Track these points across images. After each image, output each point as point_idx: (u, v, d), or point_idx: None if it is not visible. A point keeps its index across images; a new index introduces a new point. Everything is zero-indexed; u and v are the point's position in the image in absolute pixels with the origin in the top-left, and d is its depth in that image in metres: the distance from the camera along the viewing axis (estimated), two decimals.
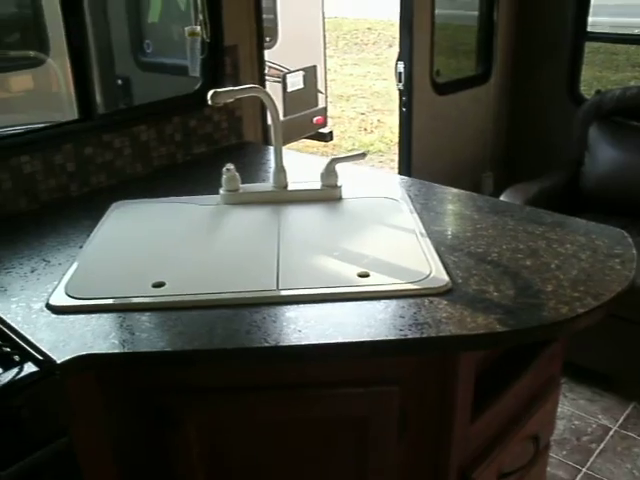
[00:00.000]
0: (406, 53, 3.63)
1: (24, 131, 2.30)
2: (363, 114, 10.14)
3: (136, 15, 3.77)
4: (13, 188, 2.22)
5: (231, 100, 2.02)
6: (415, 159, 3.79)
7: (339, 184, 2.17)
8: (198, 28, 2.49)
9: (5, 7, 3.75)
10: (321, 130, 7.74)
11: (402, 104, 3.74)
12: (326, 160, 2.19)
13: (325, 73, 7.59)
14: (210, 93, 1.93)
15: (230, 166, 2.12)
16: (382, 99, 10.67)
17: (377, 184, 2.39)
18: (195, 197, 2.22)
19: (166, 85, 3.59)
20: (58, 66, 4.32)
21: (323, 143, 8.13)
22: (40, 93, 4.68)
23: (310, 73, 7.25)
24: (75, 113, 2.40)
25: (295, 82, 7.07)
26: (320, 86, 7.47)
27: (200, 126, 2.67)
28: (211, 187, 2.26)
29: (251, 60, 2.77)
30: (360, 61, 13.76)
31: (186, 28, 2.50)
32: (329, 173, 2.15)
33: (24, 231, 2.11)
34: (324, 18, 7.52)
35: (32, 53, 4.75)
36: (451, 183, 2.32)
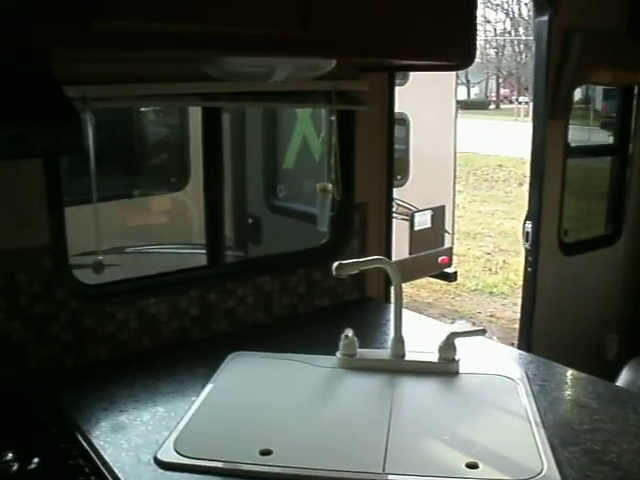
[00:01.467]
0: (535, 213, 3.59)
1: (155, 274, 2.40)
2: (489, 254, 10.07)
3: (272, 160, 3.95)
4: (138, 328, 2.31)
5: (355, 271, 2.05)
6: (537, 318, 3.68)
7: (457, 358, 2.12)
8: (330, 186, 2.56)
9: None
10: (446, 270, 7.69)
11: (527, 264, 3.67)
12: (445, 331, 2.17)
13: (453, 213, 7.62)
14: (335, 265, 1.96)
15: (349, 332, 2.12)
16: (509, 239, 10.59)
17: (495, 358, 2.33)
18: (312, 357, 2.22)
19: (293, 228, 3.71)
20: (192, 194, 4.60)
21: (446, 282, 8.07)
22: (173, 215, 4.94)
23: (438, 213, 7.29)
24: (202, 238, 2.48)
25: (423, 221, 7.11)
26: (447, 226, 7.47)
27: (324, 279, 2.70)
28: (328, 346, 2.26)
29: (379, 217, 2.81)
30: (489, 198, 13.79)
31: (318, 185, 2.58)
32: (447, 347, 2.11)
33: (142, 371, 2.17)
34: (456, 155, 7.61)
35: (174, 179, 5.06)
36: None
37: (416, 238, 7.06)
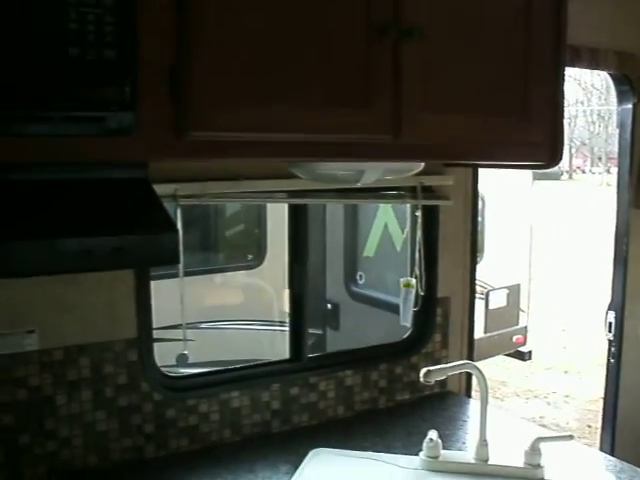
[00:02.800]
0: (618, 303, 3.50)
1: (238, 367, 2.41)
2: (564, 330, 9.83)
3: (353, 248, 3.98)
4: (219, 420, 2.32)
5: (442, 377, 2.02)
6: (621, 414, 3.55)
7: (542, 464, 2.06)
8: (413, 280, 2.55)
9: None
10: (520, 349, 7.54)
11: (610, 355, 3.57)
12: (529, 432, 2.11)
13: (529, 291, 7.49)
14: (423, 372, 1.94)
15: (434, 435, 2.08)
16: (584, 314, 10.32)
17: (582, 463, 2.25)
18: (394, 456, 2.18)
19: (372, 316, 3.72)
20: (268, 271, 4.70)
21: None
22: (250, 291, 5.04)
23: (514, 291, 7.18)
24: (276, 316, 2.50)
25: (498, 300, 7.00)
26: (523, 305, 7.35)
27: (405, 374, 2.68)
28: (409, 443, 2.23)
29: (462, 311, 2.79)
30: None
31: (401, 280, 2.58)
32: (533, 451, 2.05)
33: (223, 466, 2.17)
34: (532, 231, 7.53)
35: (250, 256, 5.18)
36: None
37: (491, 317, 6.95)
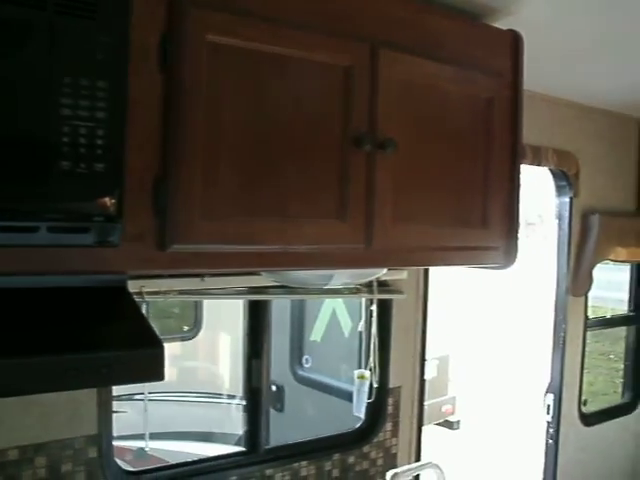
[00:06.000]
0: (556, 385, 3.62)
1: (195, 461, 2.39)
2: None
3: (299, 331, 4.01)
4: None
5: (408, 479, 2.06)
6: None
7: None
8: (367, 373, 2.60)
9: None
10: (449, 418, 7.67)
11: (548, 436, 3.67)
12: None
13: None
14: (390, 475, 1.98)
15: None
16: None
17: None
18: None
19: (317, 400, 3.74)
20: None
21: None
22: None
23: (443, 362, 7.33)
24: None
25: (428, 370, 7.12)
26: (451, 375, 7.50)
27: (358, 463, 2.71)
28: None
29: (412, 400, 2.84)
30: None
31: (355, 372, 2.62)
32: None
33: None
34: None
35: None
36: None
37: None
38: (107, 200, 1.45)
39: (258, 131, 1.63)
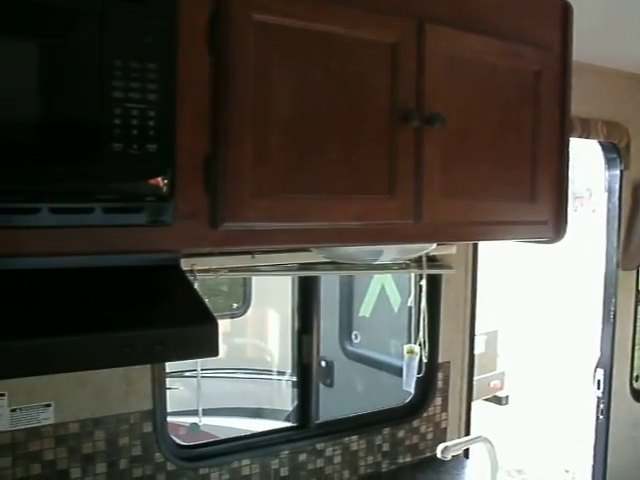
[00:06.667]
0: (606, 360, 3.59)
1: (247, 435, 2.44)
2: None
3: (348, 307, 4.03)
4: None
5: (458, 452, 2.07)
6: (611, 469, 3.62)
7: None
8: (417, 348, 2.61)
9: None
10: (497, 394, 7.64)
11: (599, 412, 3.65)
12: None
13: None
14: (440, 448, 1.99)
15: None
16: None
17: None
18: None
19: (366, 375, 3.77)
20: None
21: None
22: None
23: (491, 338, 7.29)
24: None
25: (476, 346, 7.10)
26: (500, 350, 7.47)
27: (408, 437, 2.74)
28: None
29: (462, 375, 2.86)
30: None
31: (405, 346, 2.64)
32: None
33: None
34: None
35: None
36: None
37: None
38: (159, 180, 1.48)
39: (306, 109, 1.65)
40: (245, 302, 5.12)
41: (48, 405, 2.03)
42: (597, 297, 3.66)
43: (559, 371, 9.18)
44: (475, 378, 7.23)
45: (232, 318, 5.24)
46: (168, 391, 2.28)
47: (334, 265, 2.33)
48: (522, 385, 8.96)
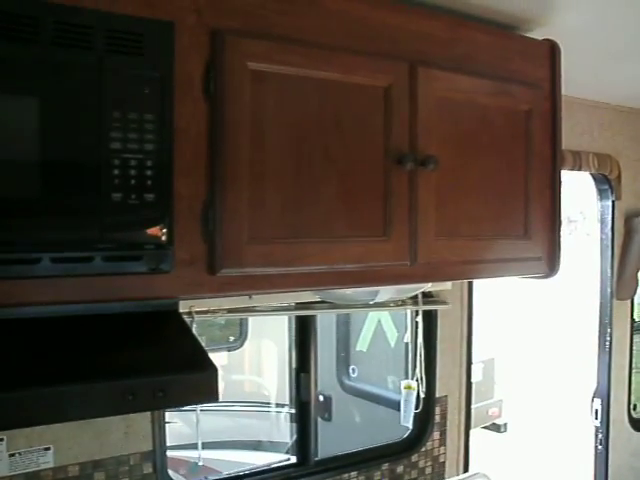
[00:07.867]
0: (604, 390, 3.60)
1: (245, 474, 2.44)
2: None
3: (345, 342, 4.05)
4: None
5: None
6: None
7: None
8: (414, 383, 2.62)
9: None
10: (496, 421, 7.62)
11: (597, 442, 3.65)
12: None
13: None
14: None
15: None
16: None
17: None
18: None
19: (364, 409, 3.77)
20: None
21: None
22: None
23: (488, 365, 7.29)
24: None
25: (474, 374, 7.09)
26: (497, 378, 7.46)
27: (407, 472, 2.74)
28: None
29: (459, 408, 2.86)
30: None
31: (402, 382, 2.65)
32: None
33: None
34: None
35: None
36: None
37: None
38: (158, 228, 1.49)
39: (301, 153, 1.67)
40: (242, 335, 5.13)
41: (47, 449, 2.03)
42: (593, 326, 3.67)
43: (557, 400, 9.16)
44: (473, 406, 7.24)
45: (229, 351, 5.24)
46: (167, 425, 2.27)
47: (331, 304, 2.35)
48: (520, 413, 8.95)
